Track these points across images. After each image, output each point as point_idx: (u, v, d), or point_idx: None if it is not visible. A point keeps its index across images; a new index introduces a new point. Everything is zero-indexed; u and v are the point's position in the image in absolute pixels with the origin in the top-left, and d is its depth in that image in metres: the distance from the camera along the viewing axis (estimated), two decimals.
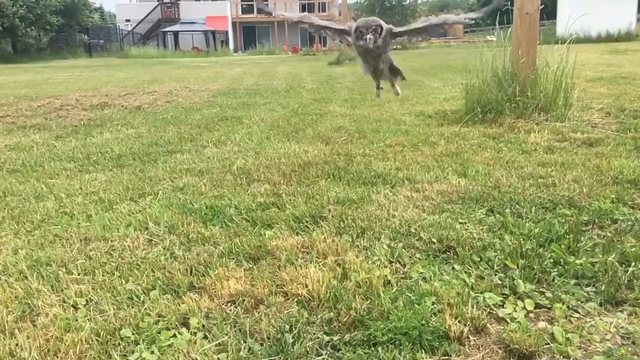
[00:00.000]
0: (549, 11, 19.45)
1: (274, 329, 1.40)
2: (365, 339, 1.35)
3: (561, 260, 1.73)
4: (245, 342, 1.36)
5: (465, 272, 1.68)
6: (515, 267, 1.70)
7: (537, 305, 1.50)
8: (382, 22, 2.60)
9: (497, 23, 4.71)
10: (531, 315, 1.47)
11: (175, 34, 36.79)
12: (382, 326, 1.38)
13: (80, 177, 3.01)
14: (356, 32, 2.58)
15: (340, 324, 1.42)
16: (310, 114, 5.34)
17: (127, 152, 3.65)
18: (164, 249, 1.95)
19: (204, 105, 6.35)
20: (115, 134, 4.45)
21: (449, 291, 1.54)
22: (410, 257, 1.81)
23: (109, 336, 1.38)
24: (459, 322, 1.40)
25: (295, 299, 1.56)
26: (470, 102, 4.47)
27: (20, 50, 29.40)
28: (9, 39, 29.29)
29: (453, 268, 1.72)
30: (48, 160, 3.48)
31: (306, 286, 1.60)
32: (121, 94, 7.71)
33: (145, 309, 1.51)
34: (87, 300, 1.58)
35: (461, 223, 2.09)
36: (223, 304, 1.55)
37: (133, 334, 1.40)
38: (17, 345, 1.36)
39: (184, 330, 1.41)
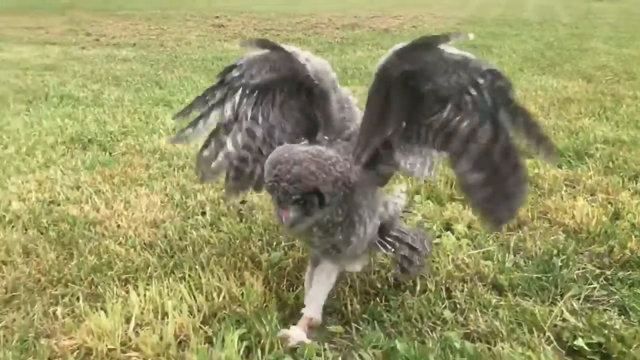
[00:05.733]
0: None
1: (540, 251, 1.41)
2: None
3: None
4: (508, 255, 1.39)
5: None
6: None
7: None
8: (326, 171, 0.99)
9: None
10: None
11: None
12: None
13: None
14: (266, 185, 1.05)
15: (612, 261, 1.37)
16: (568, 49, 4.89)
17: None
18: None
19: (450, 32, 6.24)
20: (367, 53, 4.66)
21: None
22: None
23: None
24: None
25: (561, 228, 1.53)
26: None
27: None
28: None
29: None
30: None
31: (573, 217, 1.56)
32: (368, 16, 7.96)
33: (414, 208, 1.63)
34: None
35: None
36: None
37: None
38: None
39: (449, 234, 1.50)
